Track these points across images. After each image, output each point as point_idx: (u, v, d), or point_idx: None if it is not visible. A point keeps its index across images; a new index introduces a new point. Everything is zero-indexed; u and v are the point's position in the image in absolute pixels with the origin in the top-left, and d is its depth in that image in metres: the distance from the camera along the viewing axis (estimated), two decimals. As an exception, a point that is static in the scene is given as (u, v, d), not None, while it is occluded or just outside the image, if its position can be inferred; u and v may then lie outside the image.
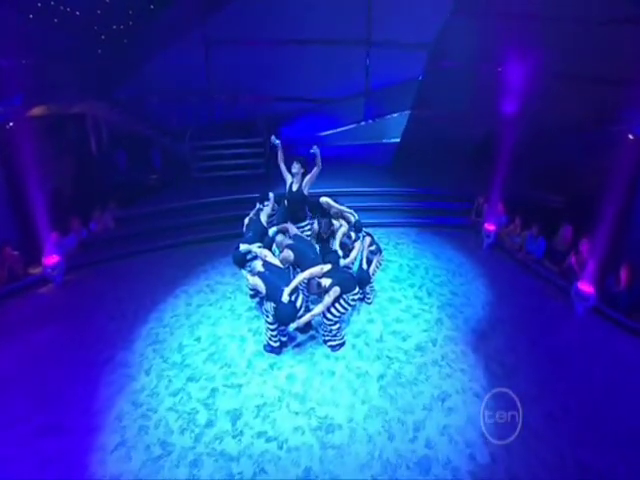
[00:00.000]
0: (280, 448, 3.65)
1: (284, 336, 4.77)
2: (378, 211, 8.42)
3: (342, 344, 4.80)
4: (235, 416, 3.96)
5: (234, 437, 3.75)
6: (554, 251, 6.57)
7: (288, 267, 5.07)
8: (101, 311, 5.61)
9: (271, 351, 4.72)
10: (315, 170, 5.29)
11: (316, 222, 5.45)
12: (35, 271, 6.31)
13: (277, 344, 4.70)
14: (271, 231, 5.32)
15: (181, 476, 3.44)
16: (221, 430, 3.82)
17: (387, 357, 4.68)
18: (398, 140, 11.03)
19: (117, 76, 8.82)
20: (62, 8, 7.46)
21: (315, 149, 5.22)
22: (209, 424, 3.89)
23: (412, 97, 10.65)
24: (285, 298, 4.33)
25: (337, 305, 4.55)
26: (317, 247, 5.31)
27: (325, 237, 5.39)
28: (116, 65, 8.65)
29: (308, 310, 4.74)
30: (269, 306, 4.49)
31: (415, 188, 8.95)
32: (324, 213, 5.51)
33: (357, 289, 4.75)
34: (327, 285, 4.47)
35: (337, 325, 4.68)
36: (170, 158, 9.54)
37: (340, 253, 5.21)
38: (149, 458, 3.58)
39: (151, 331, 5.19)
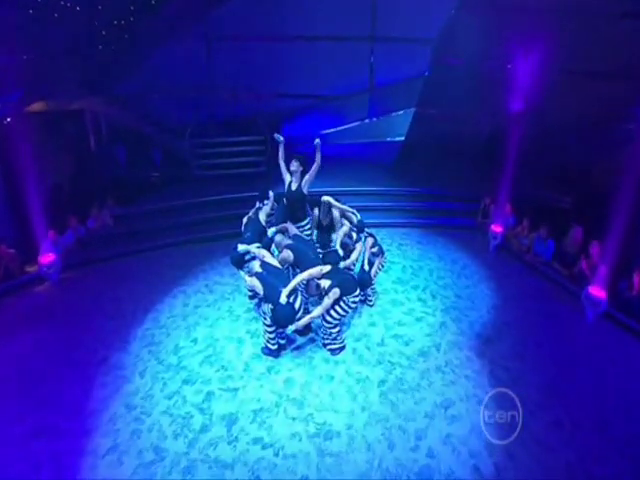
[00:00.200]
0: (276, 455, 3.55)
1: (282, 339, 4.67)
2: (381, 211, 8.32)
3: (342, 348, 4.69)
4: (231, 421, 3.86)
5: (229, 443, 3.66)
6: (564, 253, 6.42)
7: (287, 268, 4.97)
8: (97, 311, 5.55)
9: (269, 354, 4.61)
10: (314, 167, 5.13)
11: (316, 208, 5.36)
12: (31, 269, 6.26)
13: (275, 347, 4.59)
14: (270, 231, 5.23)
15: (174, 483, 3.35)
16: (216, 435, 3.73)
17: (389, 362, 4.56)
18: (403, 138, 10.87)
19: (117, 72, 8.77)
20: (62, 3, 7.39)
21: (317, 142, 5.08)
22: (204, 429, 3.79)
23: (417, 95, 10.51)
24: (283, 299, 4.22)
25: (337, 307, 4.43)
26: (316, 241, 5.23)
27: (325, 225, 5.29)
28: (117, 61, 8.61)
29: (307, 312, 4.63)
30: (267, 308, 4.40)
31: (419, 188, 8.80)
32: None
33: (358, 291, 4.62)
34: (326, 287, 4.36)
35: (337, 328, 4.56)
36: (170, 155, 9.47)
37: (341, 253, 5.08)
38: (141, 463, 3.51)
39: (147, 332, 5.11)
